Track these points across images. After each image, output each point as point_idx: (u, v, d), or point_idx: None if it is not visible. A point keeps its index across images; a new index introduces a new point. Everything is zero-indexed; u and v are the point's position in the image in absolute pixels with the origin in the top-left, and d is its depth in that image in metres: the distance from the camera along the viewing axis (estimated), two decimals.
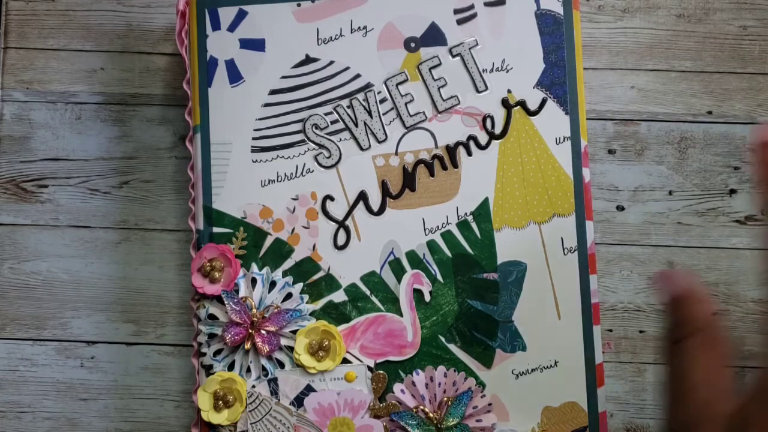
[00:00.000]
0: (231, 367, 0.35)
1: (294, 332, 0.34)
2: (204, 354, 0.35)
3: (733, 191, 0.40)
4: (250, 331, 0.34)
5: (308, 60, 0.36)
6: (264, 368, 0.34)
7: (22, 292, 0.40)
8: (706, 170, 0.40)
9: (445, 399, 0.34)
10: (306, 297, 0.35)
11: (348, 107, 0.35)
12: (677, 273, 0.27)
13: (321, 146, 0.35)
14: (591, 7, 0.41)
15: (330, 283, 0.35)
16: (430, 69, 0.35)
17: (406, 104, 0.35)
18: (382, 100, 0.35)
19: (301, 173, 0.35)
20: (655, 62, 0.41)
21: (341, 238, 0.35)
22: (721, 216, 0.40)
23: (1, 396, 0.40)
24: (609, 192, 0.40)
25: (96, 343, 0.40)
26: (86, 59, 0.41)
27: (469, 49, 0.35)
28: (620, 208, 0.40)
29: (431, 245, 0.35)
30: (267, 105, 0.36)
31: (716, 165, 0.40)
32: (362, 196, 0.35)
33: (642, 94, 0.41)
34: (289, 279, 0.35)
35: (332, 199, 0.35)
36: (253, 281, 0.35)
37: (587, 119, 0.40)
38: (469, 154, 0.35)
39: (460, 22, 0.35)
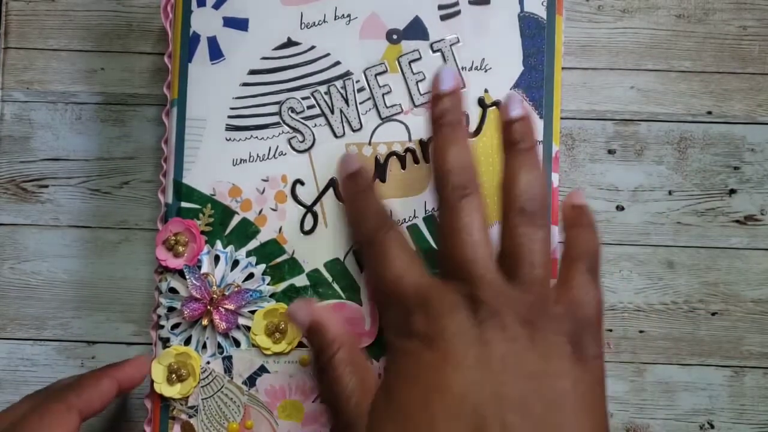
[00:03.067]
0: (187, 342, 0.35)
1: (253, 312, 0.35)
2: (162, 327, 0.35)
3: (732, 191, 0.40)
4: (208, 307, 0.34)
5: (290, 43, 0.36)
6: (220, 345, 0.35)
7: (22, 292, 0.40)
8: (705, 170, 0.40)
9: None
10: (268, 279, 0.35)
11: (326, 93, 0.36)
12: (301, 306, 0.31)
13: (295, 130, 0.36)
14: (591, 7, 0.41)
15: (293, 266, 0.35)
16: (410, 62, 0.36)
17: (383, 95, 0.36)
18: (360, 90, 0.36)
19: (274, 155, 0.35)
20: (655, 62, 0.41)
21: (308, 223, 0.35)
22: (720, 216, 0.40)
23: (2, 396, 0.40)
24: (609, 192, 0.40)
25: (96, 343, 0.40)
26: (86, 59, 0.41)
27: (450, 45, 0.35)
28: (620, 208, 0.40)
29: None
30: (245, 84, 0.36)
31: (716, 165, 0.40)
32: (332, 183, 0.35)
33: (642, 94, 0.41)
34: (252, 259, 0.35)
35: (302, 183, 0.35)
36: (216, 258, 0.35)
37: (587, 119, 0.40)
38: None
39: (443, 18, 0.36)
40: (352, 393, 0.28)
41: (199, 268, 0.35)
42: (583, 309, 0.27)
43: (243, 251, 0.35)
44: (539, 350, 0.26)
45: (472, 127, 0.35)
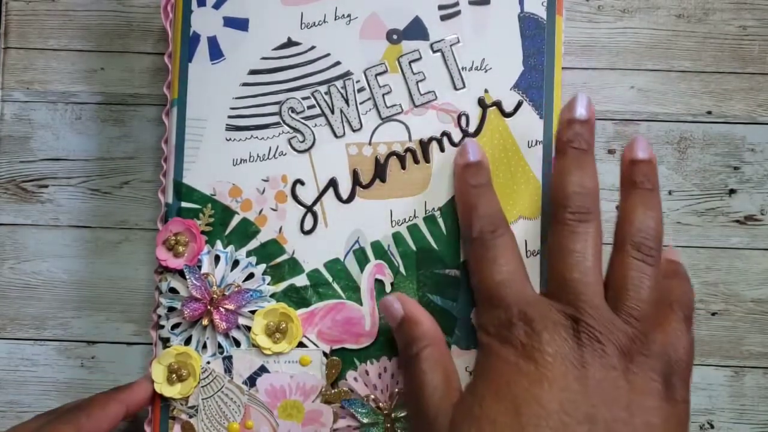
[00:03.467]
0: (188, 342, 0.35)
1: (253, 312, 0.35)
2: (162, 327, 0.35)
3: (732, 191, 0.40)
4: (208, 307, 0.34)
5: (290, 43, 0.36)
6: (220, 345, 0.35)
7: (22, 292, 0.40)
8: (705, 170, 0.41)
9: (398, 390, 0.34)
10: (268, 278, 0.35)
11: (326, 93, 0.36)
12: (395, 299, 0.32)
13: (296, 130, 0.36)
14: (591, 7, 0.41)
15: (293, 266, 0.35)
16: (410, 62, 0.36)
17: (383, 95, 0.36)
18: (360, 90, 0.36)
19: (274, 155, 0.35)
20: (654, 62, 0.41)
21: (308, 223, 0.35)
22: (720, 216, 0.40)
23: (2, 396, 0.40)
24: (609, 192, 0.40)
25: (96, 343, 0.40)
26: (86, 59, 0.41)
27: (450, 46, 0.35)
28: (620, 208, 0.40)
29: (397, 237, 0.35)
30: (245, 84, 0.36)
31: (716, 165, 0.41)
32: (332, 183, 0.35)
33: (642, 94, 0.41)
34: (253, 259, 0.35)
35: (302, 183, 0.35)
36: (217, 258, 0.35)
37: None
38: (442, 150, 0.35)
39: (443, 18, 0.35)
40: (435, 389, 0.29)
41: (199, 268, 0.35)
42: (677, 352, 0.28)
43: (243, 251, 0.35)
44: (634, 383, 0.27)
45: (472, 127, 0.35)
